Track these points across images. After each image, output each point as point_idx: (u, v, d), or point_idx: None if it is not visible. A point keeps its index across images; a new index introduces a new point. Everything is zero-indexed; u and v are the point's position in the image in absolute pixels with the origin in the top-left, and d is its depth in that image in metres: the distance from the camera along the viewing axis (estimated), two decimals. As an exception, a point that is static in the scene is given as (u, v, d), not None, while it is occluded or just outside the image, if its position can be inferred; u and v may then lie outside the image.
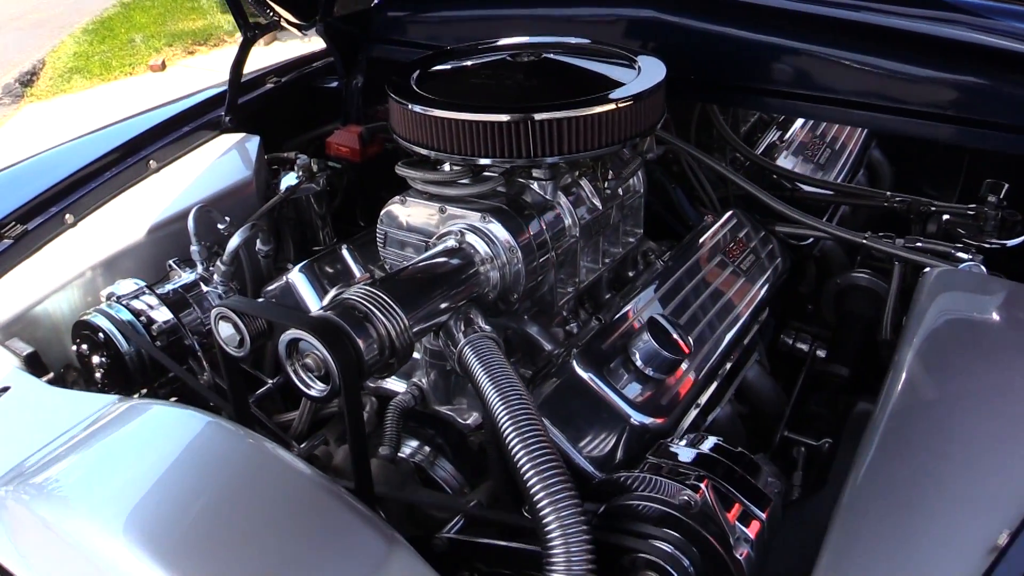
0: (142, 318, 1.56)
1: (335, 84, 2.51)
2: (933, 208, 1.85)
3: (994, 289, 1.41)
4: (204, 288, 1.68)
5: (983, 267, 1.55)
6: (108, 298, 1.60)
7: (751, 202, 1.90)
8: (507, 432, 1.06)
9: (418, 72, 1.60)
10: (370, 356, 1.14)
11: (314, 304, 1.60)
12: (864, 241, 1.72)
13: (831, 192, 2.09)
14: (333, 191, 2.18)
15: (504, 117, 1.37)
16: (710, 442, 1.13)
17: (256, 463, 1.09)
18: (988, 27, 1.73)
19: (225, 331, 1.21)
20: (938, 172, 2.44)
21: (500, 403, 1.10)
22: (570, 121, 1.37)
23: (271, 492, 1.05)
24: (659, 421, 1.28)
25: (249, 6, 2.15)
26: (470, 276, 1.35)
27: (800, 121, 2.36)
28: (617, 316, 1.44)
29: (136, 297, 1.60)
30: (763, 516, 1.03)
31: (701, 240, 1.69)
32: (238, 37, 2.21)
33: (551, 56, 1.57)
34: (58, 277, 1.64)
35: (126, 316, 1.55)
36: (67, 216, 1.77)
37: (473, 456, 1.46)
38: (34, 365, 1.46)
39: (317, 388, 1.13)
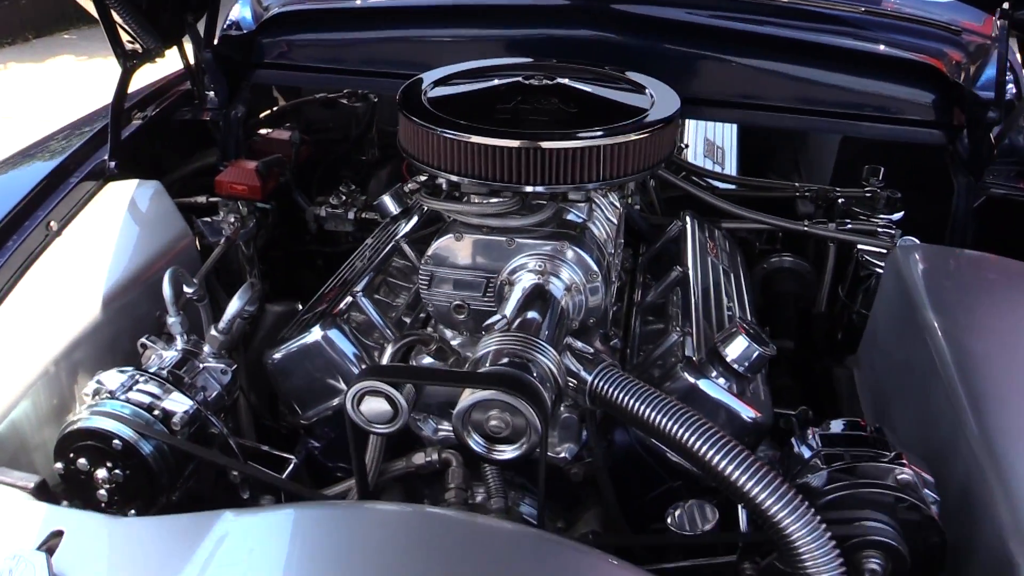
0: (155, 412, 1.30)
1: (189, 115, 2.24)
2: (836, 193, 2.14)
3: (949, 255, 1.70)
4: (199, 364, 1.44)
5: (915, 239, 1.84)
6: (95, 395, 1.31)
7: (689, 202, 2.05)
8: (703, 450, 1.07)
9: (433, 96, 1.51)
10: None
11: (351, 363, 1.45)
12: (805, 228, 1.96)
13: (740, 187, 2.31)
14: (258, 233, 1.97)
15: (563, 144, 1.35)
16: (839, 424, 1.23)
17: (461, 530, 0.99)
18: (862, 35, 2.04)
19: (373, 407, 1.06)
20: (773, 159, 2.82)
21: (677, 424, 1.10)
22: (617, 147, 1.38)
23: (494, 552, 0.96)
24: (762, 415, 1.36)
25: (131, 32, 1.85)
26: (563, 306, 1.33)
27: (691, 125, 2.58)
28: (685, 324, 1.49)
29: (131, 388, 1.32)
30: (932, 478, 1.16)
31: (688, 244, 1.80)
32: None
33: (564, 81, 1.56)
34: (15, 382, 1.30)
35: (132, 413, 1.28)
36: (-15, 303, 1.40)
37: (562, 489, 1.43)
38: (46, 495, 1.15)
39: (510, 449, 1.05)
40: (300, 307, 1.84)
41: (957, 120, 1.92)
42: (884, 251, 1.88)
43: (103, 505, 1.27)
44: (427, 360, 1.42)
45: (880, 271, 1.87)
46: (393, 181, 2.80)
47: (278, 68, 2.19)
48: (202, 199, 1.95)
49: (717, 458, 1.06)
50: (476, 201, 1.46)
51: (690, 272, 1.67)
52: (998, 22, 1.72)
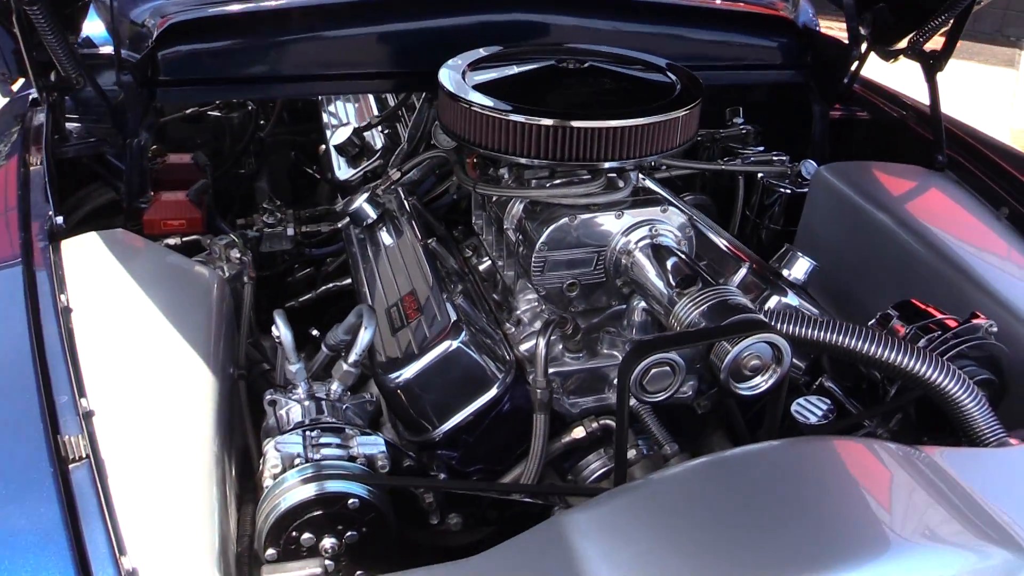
0: (359, 461, 1.21)
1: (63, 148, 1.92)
2: (720, 134, 2.49)
3: (865, 168, 2.11)
4: (340, 404, 1.34)
5: (814, 162, 2.26)
6: (285, 466, 1.18)
7: None
8: (862, 346, 1.31)
9: (478, 83, 1.54)
10: None
11: (489, 363, 1.44)
12: (722, 167, 2.29)
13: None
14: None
15: (642, 120, 1.48)
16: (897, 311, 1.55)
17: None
18: None
19: (659, 380, 1.14)
20: None
21: (832, 333, 1.33)
22: (685, 118, 1.54)
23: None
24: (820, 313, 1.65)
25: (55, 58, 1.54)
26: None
27: None
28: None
29: (312, 447, 1.21)
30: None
31: (664, 192, 2.01)
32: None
33: (596, 63, 1.66)
34: (201, 478, 1.12)
35: (345, 469, 1.18)
36: (82, 400, 1.15)
37: (689, 423, 1.58)
38: None
39: (764, 379, 1.21)
40: None
41: (808, 59, 2.37)
42: (780, 173, 2.28)
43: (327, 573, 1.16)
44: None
45: (784, 191, 2.27)
46: (275, 189, 2.61)
47: (186, 84, 1.94)
48: (174, 240, 1.71)
49: (878, 349, 1.31)
50: (562, 181, 1.53)
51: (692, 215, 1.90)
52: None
